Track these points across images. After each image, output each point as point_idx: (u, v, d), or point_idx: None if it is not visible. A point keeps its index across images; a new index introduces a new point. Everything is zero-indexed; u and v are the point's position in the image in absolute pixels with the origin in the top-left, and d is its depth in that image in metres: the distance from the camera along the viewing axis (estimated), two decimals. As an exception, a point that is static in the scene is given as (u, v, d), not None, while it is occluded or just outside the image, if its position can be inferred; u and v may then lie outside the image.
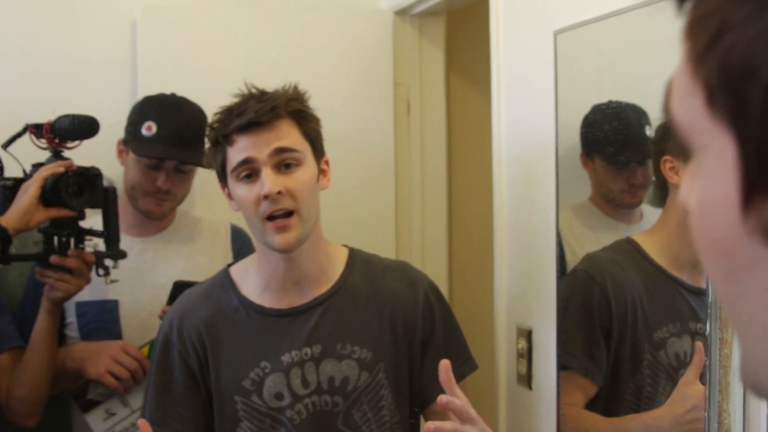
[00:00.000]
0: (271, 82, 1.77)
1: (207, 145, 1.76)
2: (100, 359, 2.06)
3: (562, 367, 1.79)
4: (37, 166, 2.00)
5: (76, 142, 2.03)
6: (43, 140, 2.02)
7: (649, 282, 1.66)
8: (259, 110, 1.64)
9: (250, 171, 1.66)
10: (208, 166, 2.09)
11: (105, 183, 2.07)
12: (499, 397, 2.09)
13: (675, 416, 1.41)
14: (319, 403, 1.71)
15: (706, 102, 0.48)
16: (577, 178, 1.80)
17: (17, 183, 1.98)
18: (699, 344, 1.46)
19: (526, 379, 1.96)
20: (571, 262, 1.80)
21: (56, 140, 2.02)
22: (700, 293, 1.46)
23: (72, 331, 2.18)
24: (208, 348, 1.74)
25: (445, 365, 1.41)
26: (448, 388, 1.41)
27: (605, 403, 1.68)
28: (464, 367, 1.80)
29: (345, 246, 1.85)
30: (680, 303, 1.61)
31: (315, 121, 1.75)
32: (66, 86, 2.47)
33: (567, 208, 1.82)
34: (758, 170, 0.45)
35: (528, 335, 1.94)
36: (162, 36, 2.57)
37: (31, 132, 2.02)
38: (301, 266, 1.73)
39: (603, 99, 1.71)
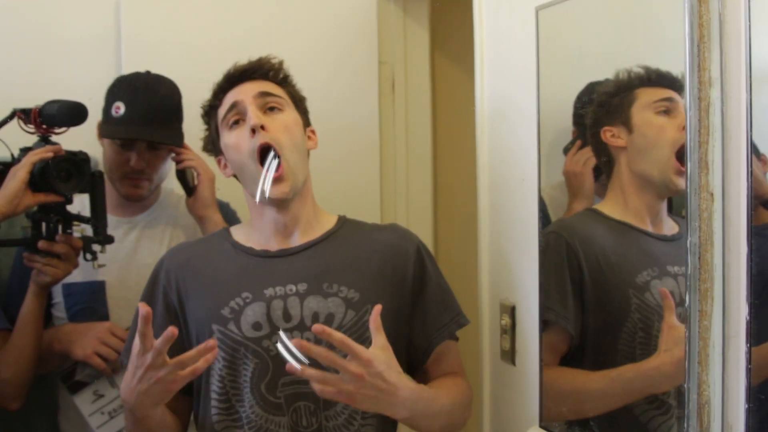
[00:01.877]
0: (254, 58, 1.79)
1: (203, 128, 1.89)
2: (87, 341, 2.06)
3: (544, 323, 1.80)
4: (25, 151, 2.00)
5: (64, 128, 2.03)
6: (31, 125, 2.01)
7: (616, 234, 1.71)
8: (248, 67, 1.83)
9: (237, 116, 1.79)
10: (179, 144, 2.14)
11: (92, 167, 2.07)
12: (483, 373, 2.11)
13: (679, 360, 1.40)
14: (302, 338, 1.67)
15: None
16: (558, 154, 1.81)
17: (5, 167, 1.97)
18: (663, 290, 1.54)
19: (510, 354, 1.97)
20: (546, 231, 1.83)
21: (44, 126, 2.01)
22: (668, 240, 1.60)
23: (59, 311, 2.18)
24: (188, 281, 1.79)
25: (376, 309, 1.57)
26: (375, 328, 1.56)
27: (595, 357, 1.69)
28: (460, 317, 1.84)
29: (336, 215, 1.92)
30: (652, 249, 1.65)
31: (299, 93, 1.89)
32: (49, 64, 2.45)
33: (549, 184, 1.83)
34: None
35: (512, 311, 1.95)
36: (145, 12, 2.55)
37: (19, 117, 2.01)
38: (292, 217, 1.80)
39: (584, 75, 1.72)
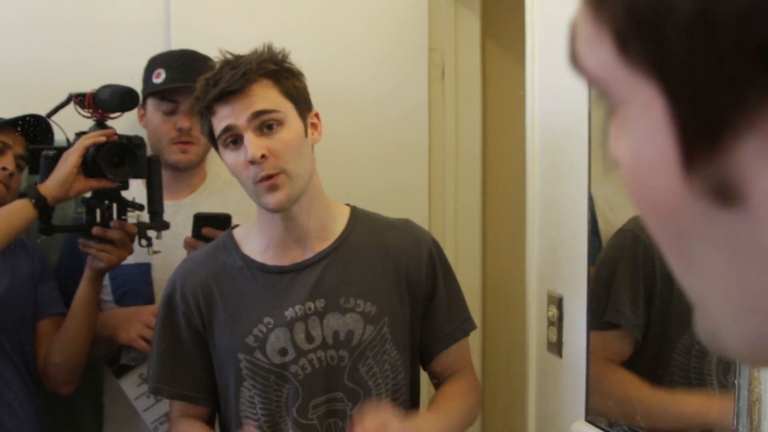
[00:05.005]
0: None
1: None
2: (132, 325, 2.08)
3: (608, 324, 1.76)
4: (80, 135, 2.01)
5: (118, 113, 2.04)
6: (87, 110, 2.03)
7: None
8: (231, 78, 1.65)
9: (234, 137, 1.67)
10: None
11: (148, 152, 2.08)
12: (529, 364, 2.08)
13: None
14: (325, 358, 1.71)
15: (617, 50, 0.41)
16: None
17: (59, 152, 1.98)
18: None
19: (557, 346, 1.95)
20: (603, 229, 1.78)
21: (99, 110, 2.02)
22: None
23: (106, 294, 2.21)
24: (209, 307, 1.77)
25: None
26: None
27: (649, 365, 1.66)
28: (466, 324, 1.85)
29: (347, 204, 1.86)
30: None
31: (295, 77, 1.74)
32: (98, 49, 2.47)
33: (600, 175, 1.80)
34: (695, 123, 0.39)
35: (559, 303, 1.93)
36: (195, -2, 2.56)
37: (75, 102, 2.03)
38: (300, 223, 1.74)
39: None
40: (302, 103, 1.74)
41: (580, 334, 1.83)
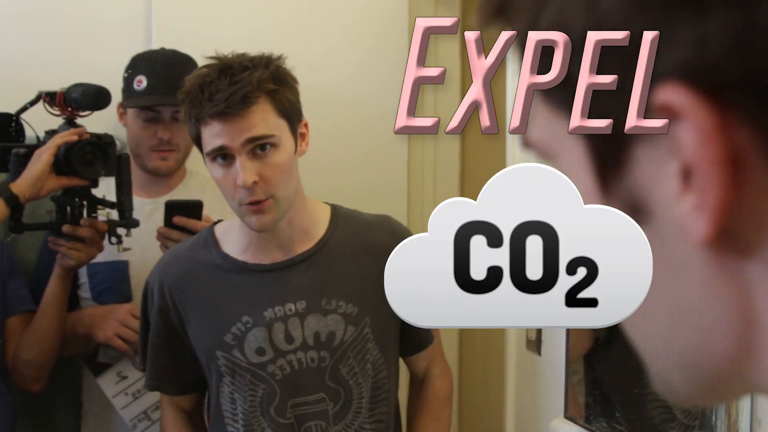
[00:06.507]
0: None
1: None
2: (108, 323, 2.08)
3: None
4: (50, 133, 2.00)
5: (88, 112, 2.04)
6: (57, 108, 2.02)
7: None
8: (230, 99, 1.58)
9: (225, 154, 1.63)
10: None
11: (119, 150, 2.08)
12: (508, 362, 2.10)
13: None
14: (305, 359, 1.71)
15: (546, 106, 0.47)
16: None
17: (30, 150, 1.97)
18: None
19: (536, 344, 1.96)
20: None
21: (69, 108, 2.01)
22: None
23: (84, 291, 2.20)
24: (186, 303, 1.76)
25: None
26: None
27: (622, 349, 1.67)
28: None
29: (327, 203, 1.85)
30: None
31: (291, 90, 1.70)
32: (78, 46, 2.44)
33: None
34: (603, 153, 0.44)
35: (538, 301, 1.94)
36: (176, -6, 2.55)
37: (45, 100, 2.02)
38: (282, 231, 1.73)
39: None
40: (295, 117, 1.70)
41: (560, 332, 1.84)
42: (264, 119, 1.63)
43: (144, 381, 1.87)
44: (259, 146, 1.62)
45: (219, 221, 1.91)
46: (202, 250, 1.80)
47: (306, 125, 1.75)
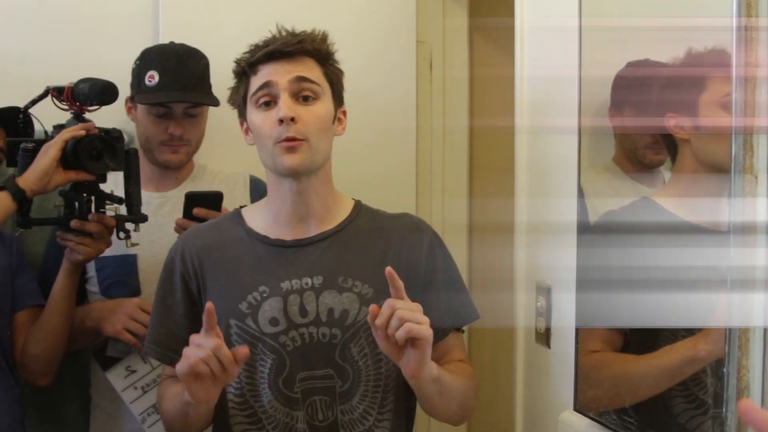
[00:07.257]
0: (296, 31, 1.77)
1: (231, 82, 1.81)
2: (117, 317, 2.08)
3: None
4: (58, 128, 2.00)
5: (96, 107, 2.04)
6: (65, 103, 2.02)
7: (670, 231, 1.64)
8: (286, 41, 1.72)
9: (269, 98, 1.72)
10: (216, 104, 2.16)
11: (127, 144, 2.07)
12: (517, 355, 2.09)
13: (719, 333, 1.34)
14: (317, 334, 1.72)
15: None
16: (600, 137, 1.78)
17: (38, 145, 1.97)
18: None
19: (545, 337, 1.96)
20: (593, 221, 1.79)
21: (77, 103, 2.02)
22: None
23: (92, 285, 2.21)
24: (207, 270, 1.78)
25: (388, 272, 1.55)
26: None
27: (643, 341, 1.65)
28: (465, 316, 1.84)
29: (352, 198, 1.89)
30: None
31: (338, 69, 1.81)
32: (85, 41, 2.45)
33: (589, 167, 1.81)
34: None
35: (548, 293, 1.94)
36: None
37: (53, 95, 2.02)
38: (307, 199, 1.76)
39: (627, 54, 1.68)
40: (338, 93, 1.80)
41: (569, 324, 1.84)
42: (312, 69, 1.74)
43: (145, 347, 1.84)
44: (303, 95, 1.71)
45: (245, 206, 1.93)
46: (227, 224, 1.85)
47: (344, 113, 1.83)
